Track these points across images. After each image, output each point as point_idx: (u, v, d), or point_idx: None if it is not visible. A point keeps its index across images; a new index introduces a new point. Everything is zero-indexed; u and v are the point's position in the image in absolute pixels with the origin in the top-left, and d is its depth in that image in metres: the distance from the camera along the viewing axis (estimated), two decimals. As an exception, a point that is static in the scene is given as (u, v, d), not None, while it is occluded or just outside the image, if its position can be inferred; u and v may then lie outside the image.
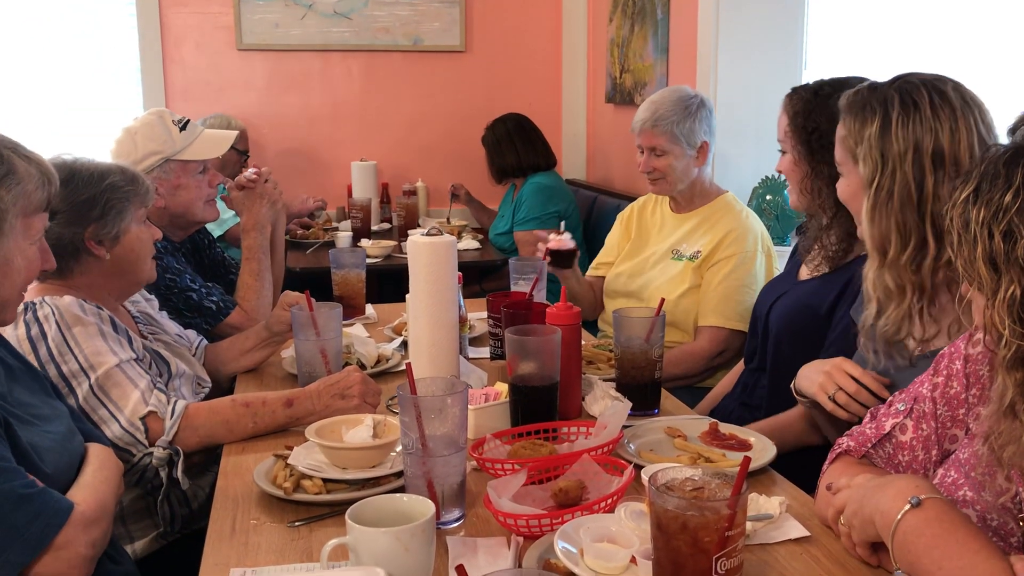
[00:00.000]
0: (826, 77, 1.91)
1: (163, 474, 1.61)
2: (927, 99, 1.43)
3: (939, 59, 2.88)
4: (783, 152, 1.94)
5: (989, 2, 2.75)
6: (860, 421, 1.35)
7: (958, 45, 2.84)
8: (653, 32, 3.62)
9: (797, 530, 1.22)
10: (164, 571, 1.67)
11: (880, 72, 1.60)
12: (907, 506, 0.99)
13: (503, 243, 4.03)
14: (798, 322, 1.87)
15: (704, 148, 2.49)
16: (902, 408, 1.24)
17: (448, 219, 4.44)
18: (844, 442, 1.31)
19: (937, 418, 1.19)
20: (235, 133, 2.47)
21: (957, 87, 1.46)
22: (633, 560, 1.07)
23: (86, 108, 4.33)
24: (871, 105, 1.47)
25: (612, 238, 2.76)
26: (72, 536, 1.21)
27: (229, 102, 4.38)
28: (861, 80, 1.63)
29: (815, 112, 1.84)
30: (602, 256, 2.77)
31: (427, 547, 1.04)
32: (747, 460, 0.93)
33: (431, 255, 1.69)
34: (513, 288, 2.21)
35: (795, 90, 1.92)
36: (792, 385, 1.64)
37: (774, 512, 1.22)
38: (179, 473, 1.60)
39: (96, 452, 1.43)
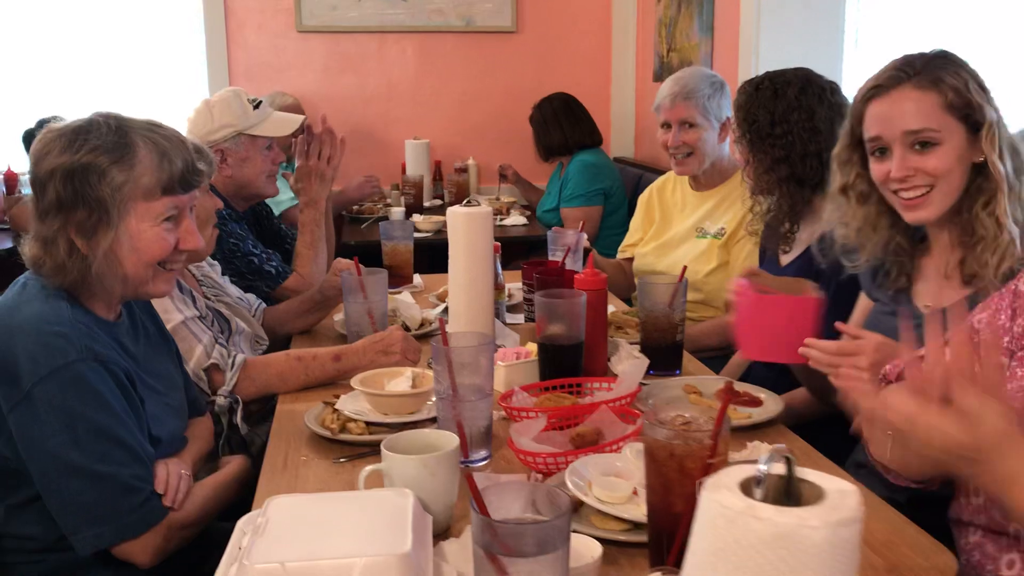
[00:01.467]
0: (770, 70, 2.10)
1: (224, 420, 1.79)
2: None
3: (976, 34, 2.92)
4: None
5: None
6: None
7: (995, 21, 2.87)
8: (699, 12, 3.69)
9: (792, 474, 1.33)
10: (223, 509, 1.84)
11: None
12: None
13: (550, 219, 4.14)
14: None
15: (727, 124, 2.56)
16: None
17: (498, 197, 4.57)
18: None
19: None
20: (302, 117, 2.64)
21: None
22: (635, 492, 1.19)
23: (153, 90, 4.55)
24: None
25: (636, 221, 2.82)
26: (158, 535, 1.35)
27: (289, 83, 4.56)
28: (803, 71, 2.03)
29: (754, 106, 2.03)
30: (628, 239, 2.84)
31: (451, 474, 1.18)
32: (728, 393, 1.04)
33: (468, 225, 1.83)
34: (551, 258, 2.34)
35: (741, 86, 2.09)
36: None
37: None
38: (239, 419, 1.77)
39: (200, 434, 1.63)
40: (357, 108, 4.71)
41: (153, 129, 1.44)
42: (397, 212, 4.00)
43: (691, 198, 2.67)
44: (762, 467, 0.55)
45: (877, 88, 1.51)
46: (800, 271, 1.96)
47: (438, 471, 1.16)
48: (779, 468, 0.55)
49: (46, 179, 1.37)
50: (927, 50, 1.53)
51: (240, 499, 1.52)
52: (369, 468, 1.18)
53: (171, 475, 1.40)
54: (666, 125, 2.59)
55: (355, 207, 4.24)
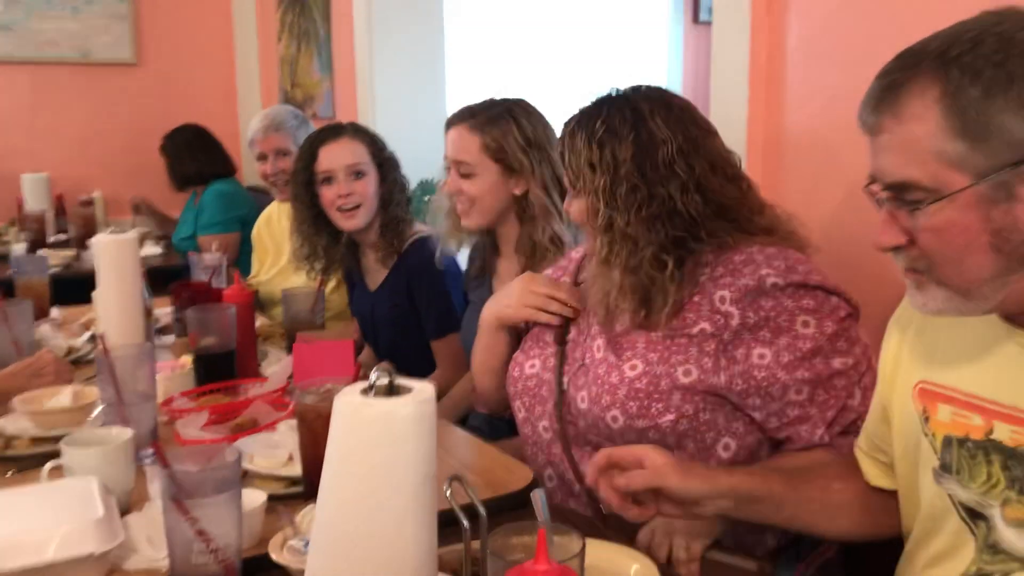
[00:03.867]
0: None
1: None
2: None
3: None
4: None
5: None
6: None
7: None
8: (318, 53, 4.01)
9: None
10: None
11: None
12: None
13: (187, 247, 4.20)
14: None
15: None
16: None
17: (134, 226, 4.53)
18: None
19: None
20: None
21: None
22: (291, 457, 1.45)
23: None
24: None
25: (253, 257, 3.13)
26: None
27: None
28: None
29: None
30: (251, 275, 3.10)
31: (128, 462, 1.36)
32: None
33: (116, 249, 1.97)
34: (195, 280, 2.51)
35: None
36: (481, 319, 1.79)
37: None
38: None
39: None
40: (-41, 142, 4.43)
41: None
42: (19, 248, 3.85)
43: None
44: (372, 377, 0.85)
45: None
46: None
47: (116, 459, 1.34)
48: (384, 379, 0.86)
49: None
50: (499, 98, 1.98)
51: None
52: (51, 464, 1.33)
53: None
54: (262, 156, 2.90)
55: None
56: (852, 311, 1.41)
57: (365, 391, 0.85)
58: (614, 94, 1.51)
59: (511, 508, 1.24)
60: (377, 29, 3.53)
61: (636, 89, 1.51)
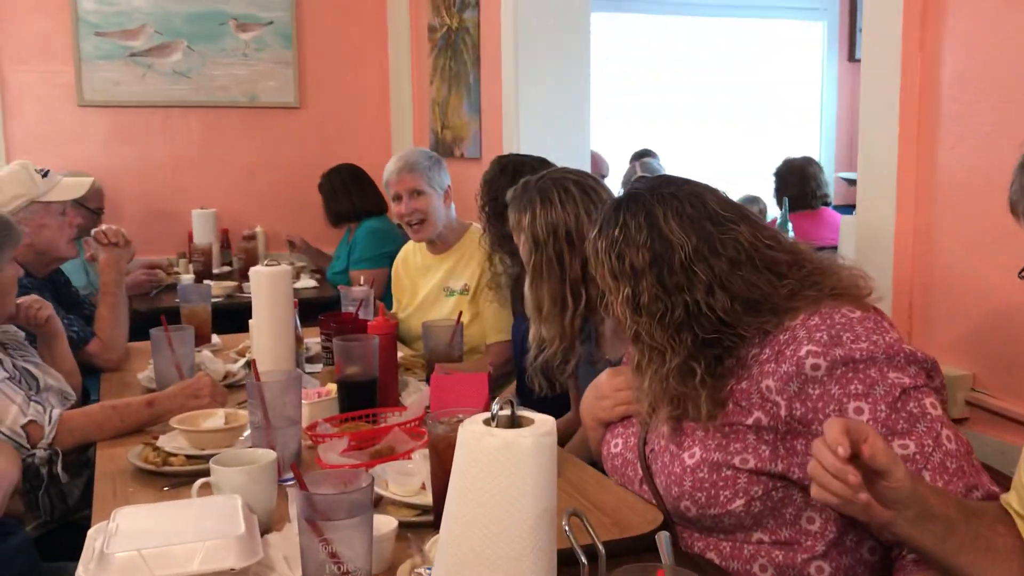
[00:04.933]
0: (513, 154, 2.47)
1: (44, 471, 1.92)
2: (556, 194, 1.90)
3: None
4: None
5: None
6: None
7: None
8: (467, 95, 4.13)
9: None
10: (43, 554, 1.95)
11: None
12: None
13: (339, 281, 4.39)
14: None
15: (448, 191, 2.99)
16: None
17: (292, 262, 4.77)
18: None
19: None
20: (91, 180, 2.80)
21: (577, 181, 1.95)
22: (423, 486, 1.49)
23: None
24: (522, 201, 1.95)
25: (394, 294, 3.20)
26: None
27: (68, 155, 4.58)
28: (540, 159, 2.36)
29: (496, 184, 2.39)
30: (394, 309, 3.18)
31: (271, 482, 1.43)
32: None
33: (271, 280, 2.08)
34: (344, 311, 2.62)
35: (491, 164, 2.48)
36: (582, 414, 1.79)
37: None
38: (59, 469, 1.91)
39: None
40: (142, 179, 4.79)
41: None
42: (187, 279, 4.12)
43: (432, 261, 3.02)
44: (494, 408, 0.87)
45: None
46: None
47: (260, 479, 1.41)
48: (507, 410, 0.87)
49: None
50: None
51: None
52: (201, 481, 1.41)
53: None
54: (397, 197, 2.96)
55: (142, 277, 4.31)
56: (913, 382, 1.29)
57: (487, 421, 0.87)
58: (630, 196, 1.47)
59: (636, 551, 1.23)
60: (523, 71, 3.61)
61: (652, 189, 1.46)
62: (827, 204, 4.36)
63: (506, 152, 3.60)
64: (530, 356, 1.97)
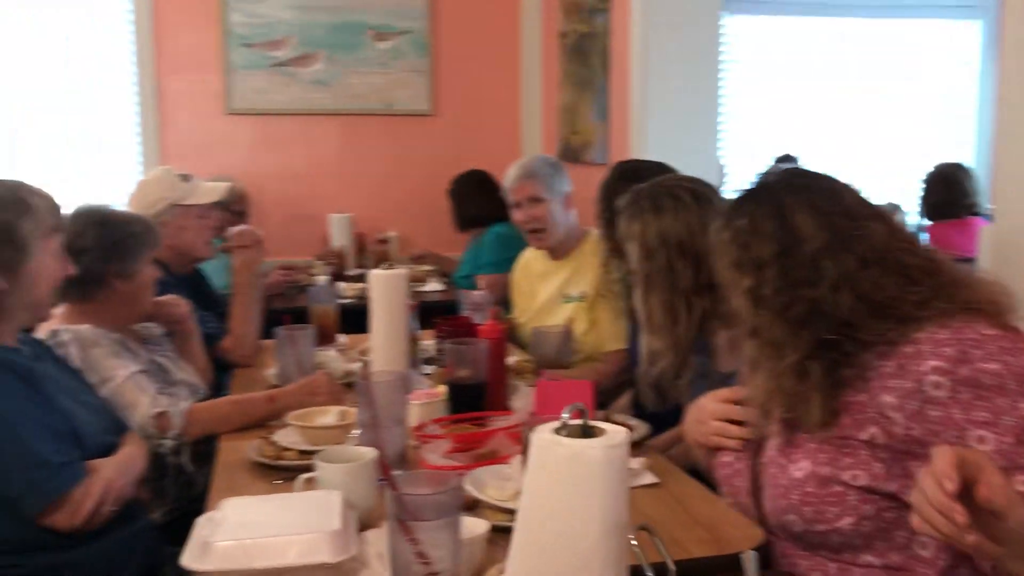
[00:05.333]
0: (633, 159, 2.43)
1: (171, 460, 2.03)
2: (668, 202, 1.84)
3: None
4: None
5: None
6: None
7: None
8: (595, 100, 4.12)
9: (650, 478, 1.65)
10: (169, 539, 2.07)
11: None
12: None
13: (466, 285, 4.46)
14: None
15: (569, 196, 2.96)
16: None
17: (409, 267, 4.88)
18: None
19: None
20: (227, 184, 2.95)
21: (691, 188, 1.88)
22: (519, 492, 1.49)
23: (89, 171, 4.77)
24: (632, 209, 1.89)
25: (513, 299, 3.20)
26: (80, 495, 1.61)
27: (217, 161, 4.83)
28: (659, 165, 2.28)
29: (614, 190, 2.31)
30: (513, 313, 3.19)
31: (371, 480, 1.46)
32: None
33: (386, 283, 2.14)
34: (463, 316, 2.66)
35: (610, 169, 2.45)
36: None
37: (634, 466, 1.65)
38: (184, 459, 2.03)
39: (130, 436, 1.86)
40: (283, 184, 5.01)
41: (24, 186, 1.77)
42: (322, 280, 4.28)
43: (550, 267, 3.02)
44: (564, 416, 0.86)
45: None
46: None
47: (360, 476, 1.45)
48: (578, 420, 0.86)
49: None
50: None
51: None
52: (304, 476, 1.46)
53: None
54: (516, 204, 2.95)
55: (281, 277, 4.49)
56: None
57: (558, 430, 0.86)
58: (760, 186, 1.42)
59: (724, 568, 1.19)
60: (652, 76, 3.57)
61: (783, 181, 1.40)
62: (976, 213, 4.11)
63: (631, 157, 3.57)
64: (641, 369, 1.94)
